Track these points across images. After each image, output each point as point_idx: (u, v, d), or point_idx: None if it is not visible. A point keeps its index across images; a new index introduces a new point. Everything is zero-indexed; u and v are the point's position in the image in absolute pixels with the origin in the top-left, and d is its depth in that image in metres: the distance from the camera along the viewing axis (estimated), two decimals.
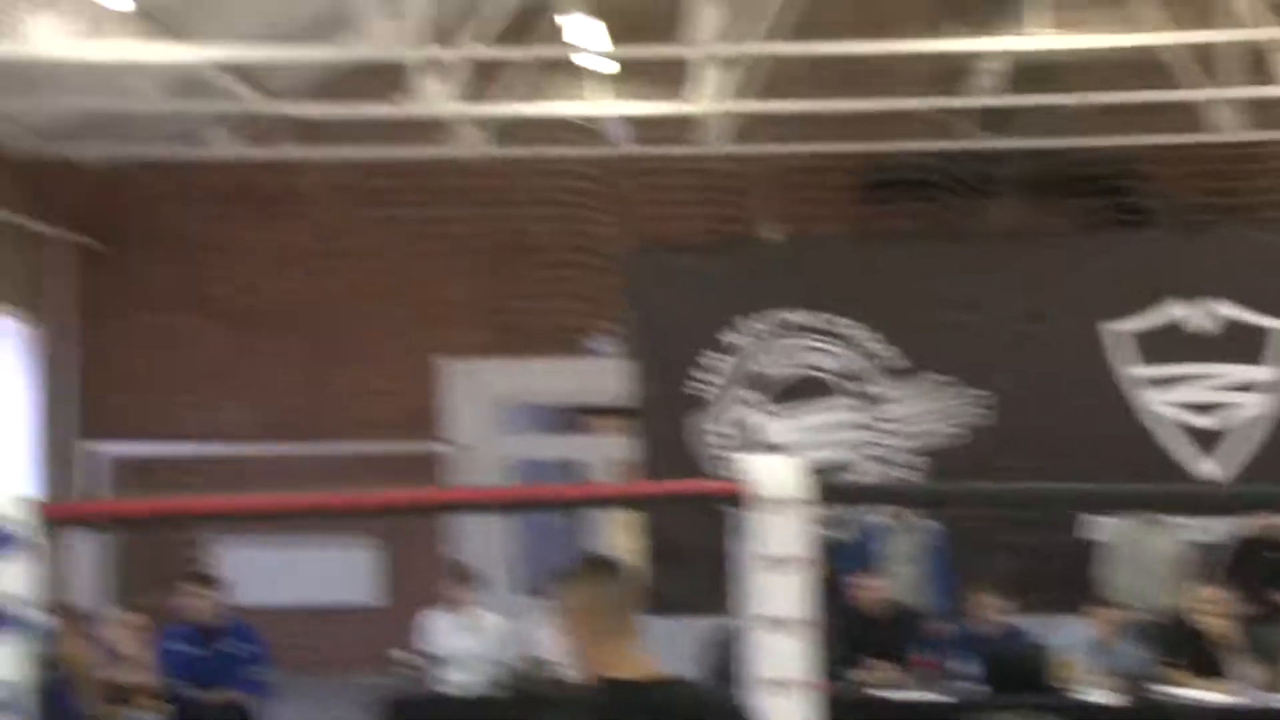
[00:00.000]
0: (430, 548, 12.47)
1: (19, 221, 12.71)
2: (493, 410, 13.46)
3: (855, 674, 7.30)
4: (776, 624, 6.00)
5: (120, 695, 7.57)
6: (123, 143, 12.89)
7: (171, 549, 12.02)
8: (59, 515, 4.46)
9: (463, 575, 8.54)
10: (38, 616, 7.07)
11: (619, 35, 10.91)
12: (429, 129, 11.89)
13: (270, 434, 12.92)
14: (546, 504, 6.00)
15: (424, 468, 12.99)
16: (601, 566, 3.57)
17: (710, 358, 10.29)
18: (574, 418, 13.81)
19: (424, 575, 12.09)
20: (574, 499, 6.16)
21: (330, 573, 12.60)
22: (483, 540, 12.16)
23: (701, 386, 10.28)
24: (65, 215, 13.32)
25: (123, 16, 9.46)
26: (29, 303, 13.00)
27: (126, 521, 4.94)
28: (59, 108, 11.93)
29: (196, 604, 8.06)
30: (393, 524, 12.35)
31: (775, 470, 6.14)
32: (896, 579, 8.25)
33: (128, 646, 7.89)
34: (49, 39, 9.30)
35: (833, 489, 6.47)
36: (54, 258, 13.46)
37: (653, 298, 10.56)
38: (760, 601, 6.03)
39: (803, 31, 10.56)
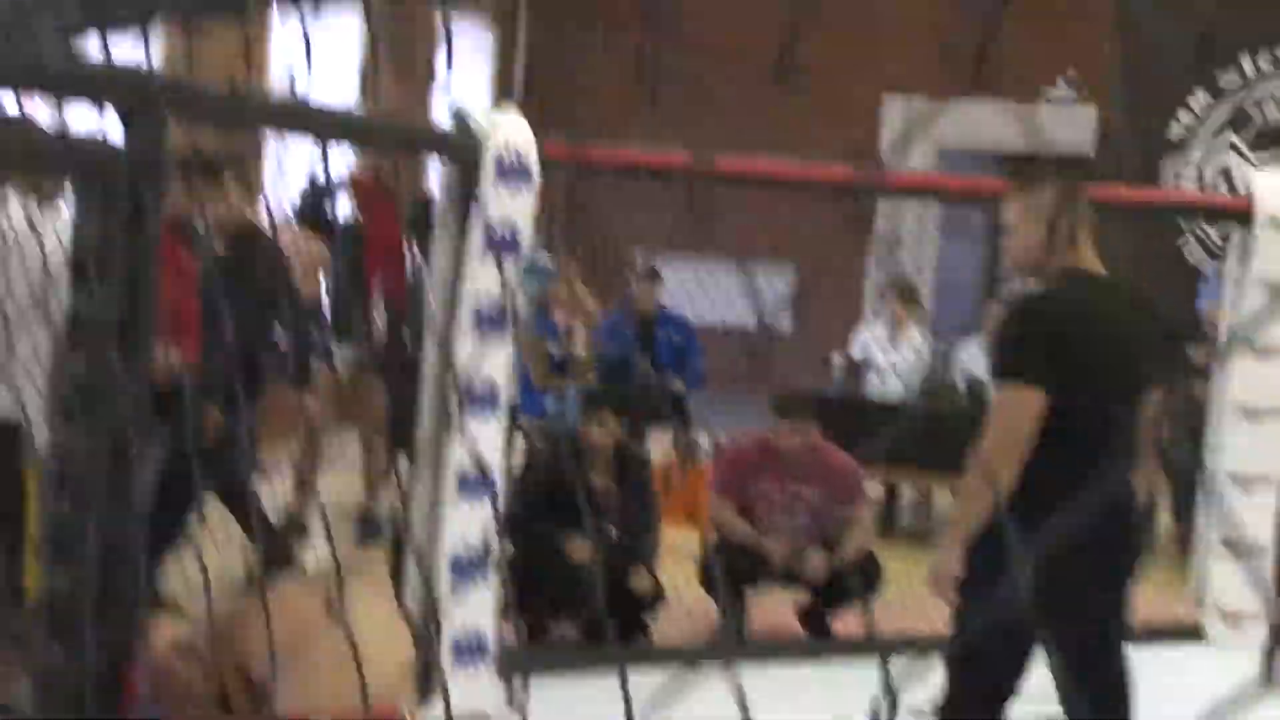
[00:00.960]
0: (845, 276, 12.63)
1: None
2: (935, 152, 13.11)
3: None
4: (1262, 350, 5.76)
5: (560, 366, 7.99)
6: None
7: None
8: (554, 155, 4.50)
9: (905, 292, 8.52)
10: (540, 255, 7.53)
11: None
12: None
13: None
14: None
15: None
16: (1067, 165, 3.64)
17: (1199, 99, 9.69)
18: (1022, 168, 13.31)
19: (837, 302, 12.35)
20: None
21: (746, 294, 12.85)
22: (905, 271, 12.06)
23: (1184, 130, 9.73)
24: None
25: None
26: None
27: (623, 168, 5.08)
28: None
29: (643, 292, 8.36)
30: (812, 249, 12.49)
31: None
32: None
33: (575, 321, 8.26)
34: None
35: None
36: None
37: (1139, 33, 9.89)
38: (1251, 326, 5.77)
39: None
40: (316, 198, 6.60)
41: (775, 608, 5.77)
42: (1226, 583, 5.84)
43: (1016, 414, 3.24)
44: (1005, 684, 3.46)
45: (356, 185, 6.72)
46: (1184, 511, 7.41)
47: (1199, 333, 7.50)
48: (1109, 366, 3.35)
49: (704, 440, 8.17)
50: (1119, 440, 3.38)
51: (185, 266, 4.09)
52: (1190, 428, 6.84)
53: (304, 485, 6.69)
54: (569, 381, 7.92)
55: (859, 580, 5.52)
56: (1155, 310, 3.66)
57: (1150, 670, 5.04)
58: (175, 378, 3.81)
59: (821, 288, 12.94)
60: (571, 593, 5.13)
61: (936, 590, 3.44)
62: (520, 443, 6.56)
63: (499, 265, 4.09)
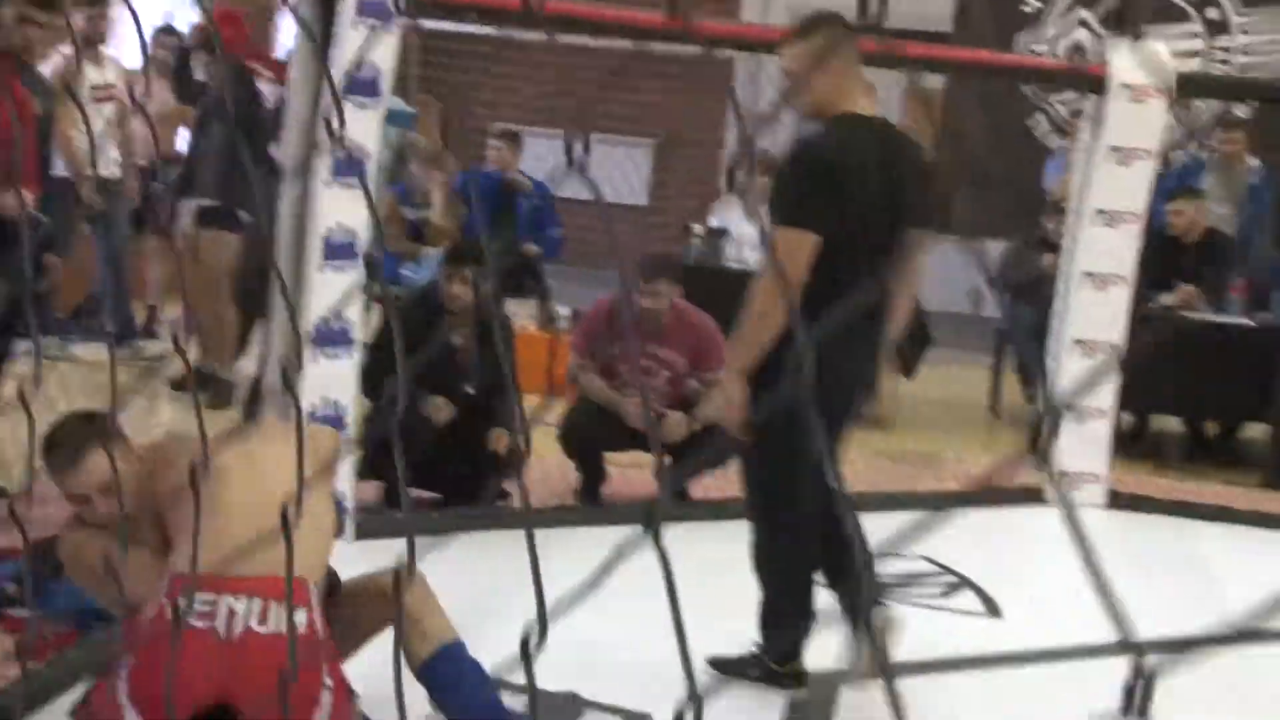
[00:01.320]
0: (700, 154, 12.60)
1: None
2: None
3: (1163, 296, 7.15)
4: (1109, 217, 5.89)
5: (416, 231, 7.85)
6: None
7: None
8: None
9: (762, 164, 8.53)
10: (398, 100, 7.32)
11: None
12: None
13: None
14: (897, 63, 5.77)
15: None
16: (829, 18, 3.70)
17: None
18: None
19: (692, 179, 12.33)
20: (924, 58, 5.91)
21: (607, 171, 12.66)
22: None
23: (1039, 4, 9.78)
24: None
25: None
26: None
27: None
28: None
29: (502, 156, 8.21)
30: (669, 126, 12.41)
31: (1142, 57, 5.90)
32: (1215, 212, 7.91)
33: (432, 184, 8.10)
34: None
35: (1194, 81, 6.21)
36: None
37: None
38: (1100, 193, 5.89)
39: None
40: (178, 50, 6.30)
41: (633, 470, 5.78)
42: (1066, 446, 5.99)
43: (789, 257, 3.35)
44: (810, 513, 3.53)
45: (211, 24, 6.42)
46: (1028, 376, 7.60)
47: (1045, 206, 7.64)
48: (873, 207, 3.45)
49: (563, 309, 8.12)
50: (876, 278, 3.53)
51: (22, 100, 3.86)
52: (1037, 298, 6.99)
53: (209, 342, 6.51)
54: (425, 248, 7.78)
55: (717, 444, 5.51)
56: (920, 153, 3.78)
57: (994, 531, 5.19)
58: (16, 218, 3.62)
59: (681, 161, 12.92)
60: (430, 454, 5.05)
61: (725, 419, 3.50)
62: (375, 303, 6.44)
63: (359, 110, 3.95)
